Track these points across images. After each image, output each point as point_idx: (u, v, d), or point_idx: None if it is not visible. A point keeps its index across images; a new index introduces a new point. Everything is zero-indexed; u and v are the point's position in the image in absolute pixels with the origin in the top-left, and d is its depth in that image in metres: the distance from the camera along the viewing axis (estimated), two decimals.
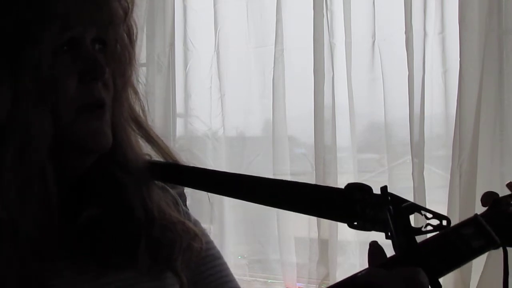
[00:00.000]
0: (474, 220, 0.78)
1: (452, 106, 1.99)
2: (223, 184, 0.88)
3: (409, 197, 1.96)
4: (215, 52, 2.34)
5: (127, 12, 0.85)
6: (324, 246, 2.15)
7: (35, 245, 0.77)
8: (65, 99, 0.78)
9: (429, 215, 0.76)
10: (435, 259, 0.74)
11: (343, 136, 2.15)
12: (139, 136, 0.90)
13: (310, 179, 2.15)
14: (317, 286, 2.16)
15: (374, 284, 0.70)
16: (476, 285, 1.88)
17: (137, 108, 0.90)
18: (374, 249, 0.75)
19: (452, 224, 0.76)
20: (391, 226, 0.75)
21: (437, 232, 0.76)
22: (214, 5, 2.34)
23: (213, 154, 2.35)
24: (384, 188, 0.77)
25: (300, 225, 2.23)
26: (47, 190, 0.78)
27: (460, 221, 0.78)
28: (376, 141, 2.15)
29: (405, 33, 2.01)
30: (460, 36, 1.93)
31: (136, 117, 0.90)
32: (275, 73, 2.23)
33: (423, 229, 0.76)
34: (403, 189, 2.00)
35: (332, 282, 2.10)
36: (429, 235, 0.76)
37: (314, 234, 2.17)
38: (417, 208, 0.76)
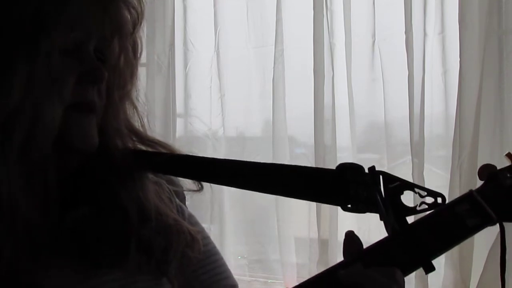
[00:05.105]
0: (469, 197, 0.75)
1: (452, 106, 1.99)
2: (212, 170, 0.86)
3: (410, 197, 1.97)
4: (215, 52, 2.34)
5: (135, 25, 0.86)
6: (324, 246, 2.14)
7: (30, 239, 0.76)
8: (60, 96, 0.79)
9: (424, 193, 0.75)
10: (428, 239, 0.72)
11: (343, 136, 2.14)
12: (139, 144, 0.90)
13: None
14: None
15: (361, 284, 0.69)
16: (476, 285, 1.88)
17: (136, 124, 0.90)
18: (350, 239, 0.74)
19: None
20: (382, 207, 0.73)
21: (432, 211, 0.74)
22: (214, 5, 2.34)
23: (213, 154, 2.34)
24: (371, 168, 0.75)
25: (300, 225, 2.23)
26: (47, 180, 0.79)
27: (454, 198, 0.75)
28: (376, 141, 2.15)
29: (405, 33, 2.00)
30: (460, 36, 1.93)
31: (135, 131, 0.90)
32: (275, 73, 2.23)
33: (418, 208, 0.74)
34: None
35: None
36: (425, 214, 0.74)
37: (314, 234, 2.17)
38: (409, 186, 0.75)
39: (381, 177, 0.75)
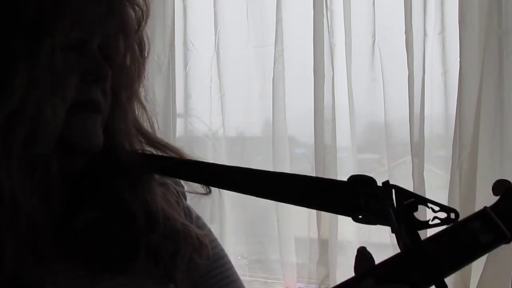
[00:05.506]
0: (483, 213, 0.73)
1: (452, 106, 1.99)
2: (223, 177, 0.87)
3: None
4: (215, 52, 2.34)
5: (140, 23, 0.85)
6: (324, 246, 2.14)
7: (34, 239, 0.76)
8: (63, 94, 0.78)
9: (436, 208, 0.73)
10: (440, 257, 0.70)
11: (343, 136, 2.14)
12: (147, 146, 0.89)
13: None
14: (317, 286, 2.16)
15: None
16: (476, 285, 1.88)
17: (145, 125, 0.89)
18: (361, 254, 0.73)
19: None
20: (394, 220, 0.72)
21: (445, 226, 0.72)
22: (214, 5, 2.34)
23: (213, 154, 2.35)
24: (385, 183, 0.74)
25: (300, 225, 2.23)
26: (50, 180, 0.78)
27: (467, 216, 0.74)
28: (376, 141, 2.15)
29: (405, 33, 2.00)
30: (460, 36, 1.93)
31: (144, 132, 0.89)
32: (275, 73, 2.23)
33: (430, 222, 0.73)
34: None
35: (332, 282, 2.10)
36: (437, 229, 0.73)
37: (314, 234, 2.17)
38: (423, 201, 0.73)
39: (393, 191, 0.74)
